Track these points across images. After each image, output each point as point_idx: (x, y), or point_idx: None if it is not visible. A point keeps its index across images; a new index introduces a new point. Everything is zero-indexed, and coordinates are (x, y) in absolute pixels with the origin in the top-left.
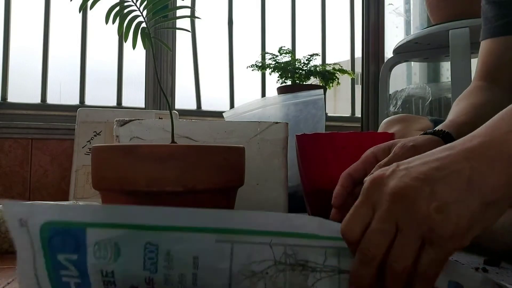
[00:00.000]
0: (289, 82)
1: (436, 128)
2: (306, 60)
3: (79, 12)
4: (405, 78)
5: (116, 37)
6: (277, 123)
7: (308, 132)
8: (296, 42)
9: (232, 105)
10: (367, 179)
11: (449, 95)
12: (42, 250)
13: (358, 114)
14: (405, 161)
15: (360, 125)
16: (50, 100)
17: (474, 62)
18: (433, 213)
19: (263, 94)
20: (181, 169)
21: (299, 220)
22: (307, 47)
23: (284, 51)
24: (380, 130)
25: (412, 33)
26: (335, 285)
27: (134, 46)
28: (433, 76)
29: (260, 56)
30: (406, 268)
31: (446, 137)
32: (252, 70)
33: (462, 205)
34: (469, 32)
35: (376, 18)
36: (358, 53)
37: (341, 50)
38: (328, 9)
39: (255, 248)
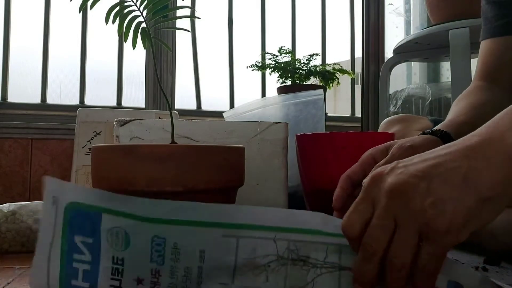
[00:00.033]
0: (289, 82)
1: (435, 128)
2: (306, 60)
3: (79, 12)
4: (405, 78)
5: (116, 37)
6: (277, 123)
7: (308, 132)
8: (296, 42)
9: (232, 105)
10: (368, 177)
11: (449, 95)
12: (61, 232)
13: (358, 114)
14: (405, 159)
15: (360, 125)
16: (50, 100)
17: (474, 62)
18: (428, 209)
19: (263, 94)
20: (181, 169)
21: (303, 216)
22: (307, 47)
23: (284, 51)
24: (380, 130)
25: (412, 33)
26: (335, 281)
27: (134, 46)
28: (433, 76)
29: (260, 56)
30: (406, 264)
31: (444, 137)
32: (252, 70)
33: (458, 201)
34: (469, 32)
35: (376, 18)
36: (358, 53)
37: (341, 50)
38: (328, 9)
39: (259, 242)
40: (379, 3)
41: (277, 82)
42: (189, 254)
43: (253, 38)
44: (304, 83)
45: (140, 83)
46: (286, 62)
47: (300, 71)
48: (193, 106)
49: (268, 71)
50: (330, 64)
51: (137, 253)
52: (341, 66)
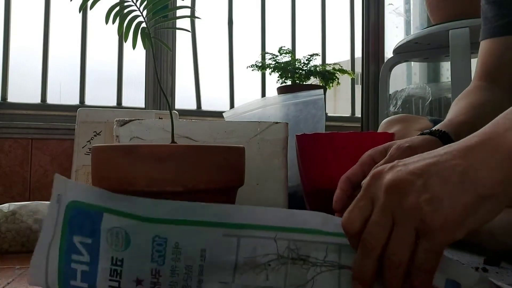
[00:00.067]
0: (289, 82)
1: (434, 128)
2: (306, 60)
3: (79, 12)
4: (405, 78)
5: (116, 37)
6: (277, 123)
7: (308, 132)
8: (296, 42)
9: (232, 105)
10: (368, 175)
11: (449, 95)
12: (61, 232)
13: (358, 114)
14: (406, 158)
15: (360, 125)
16: (50, 100)
17: (474, 62)
18: (424, 205)
19: (263, 94)
20: (181, 169)
21: (303, 215)
22: (307, 47)
23: (284, 51)
24: (380, 130)
25: (412, 33)
26: (335, 279)
27: (134, 46)
28: (433, 76)
29: (260, 56)
30: (403, 261)
31: (443, 137)
32: (252, 70)
33: (454, 199)
34: (469, 32)
35: (376, 18)
36: (358, 53)
37: (341, 50)
38: (328, 9)
39: (260, 242)
40: (379, 3)
41: (277, 82)
42: (190, 253)
43: (253, 38)
44: (304, 83)
45: (140, 83)
46: (286, 62)
47: (300, 71)
48: (193, 106)
49: (268, 71)
50: (330, 64)
51: (137, 253)
52: (341, 66)
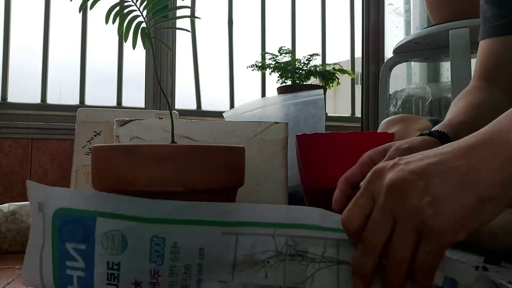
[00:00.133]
0: (289, 82)
1: (433, 129)
2: (306, 60)
3: (79, 12)
4: (405, 78)
5: (116, 37)
6: (277, 123)
7: (308, 132)
8: (296, 42)
9: (232, 105)
10: (369, 172)
11: (449, 95)
12: (51, 239)
13: (358, 114)
14: (407, 156)
15: (360, 125)
16: (50, 100)
17: (474, 62)
18: (425, 207)
19: (263, 94)
20: (181, 169)
21: (301, 211)
22: (307, 47)
23: (284, 51)
24: (380, 130)
25: (412, 33)
26: (334, 275)
27: (134, 46)
28: (433, 76)
29: (260, 56)
30: (404, 259)
31: (442, 138)
32: (252, 70)
33: (455, 201)
34: (469, 32)
35: (376, 18)
36: (358, 53)
37: (341, 50)
38: (328, 9)
39: (258, 239)
40: (379, 3)
41: (277, 82)
42: (189, 252)
43: (253, 38)
44: (304, 83)
45: (140, 83)
46: (286, 62)
47: (300, 71)
48: (193, 106)
49: (268, 71)
50: (330, 64)
51: (135, 255)
52: (341, 66)
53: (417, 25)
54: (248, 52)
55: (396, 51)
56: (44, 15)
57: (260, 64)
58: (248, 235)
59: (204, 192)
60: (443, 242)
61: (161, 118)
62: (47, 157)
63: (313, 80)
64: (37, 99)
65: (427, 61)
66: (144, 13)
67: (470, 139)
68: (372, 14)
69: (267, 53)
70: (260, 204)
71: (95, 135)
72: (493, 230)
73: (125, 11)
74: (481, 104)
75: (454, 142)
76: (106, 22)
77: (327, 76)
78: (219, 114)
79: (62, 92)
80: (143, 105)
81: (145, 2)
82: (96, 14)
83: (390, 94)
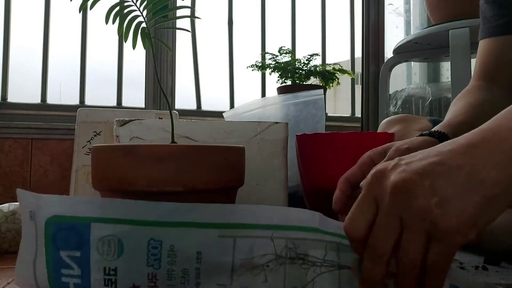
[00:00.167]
0: (289, 82)
1: (433, 129)
2: (306, 60)
3: (79, 12)
4: (405, 78)
5: (116, 37)
6: (277, 123)
7: (308, 132)
8: (296, 42)
9: (232, 105)
10: (369, 174)
11: (449, 95)
12: (44, 247)
13: (358, 114)
14: (407, 155)
15: (360, 125)
16: (50, 100)
17: (474, 62)
18: (434, 209)
19: (263, 94)
20: (181, 169)
21: (300, 214)
22: (307, 47)
23: (284, 51)
24: (380, 130)
25: (412, 33)
26: (335, 280)
27: (134, 46)
28: (433, 76)
29: (260, 56)
30: (416, 263)
31: (442, 138)
32: (252, 70)
33: (463, 200)
34: (469, 32)
35: (376, 18)
36: (358, 53)
37: (341, 50)
38: (328, 9)
39: (257, 242)
40: (379, 3)
41: (277, 82)
42: (186, 256)
43: (253, 38)
44: (304, 83)
45: (140, 83)
46: (286, 62)
47: (300, 71)
48: (193, 106)
49: (268, 71)
50: (330, 64)
51: (132, 258)
52: (341, 66)
53: (417, 25)
54: (248, 52)
55: (396, 51)
56: (44, 15)
57: (260, 64)
58: (245, 238)
59: (204, 192)
60: (455, 243)
61: (161, 118)
62: (47, 157)
63: (313, 80)
64: (37, 99)
65: (427, 61)
66: (144, 13)
67: (470, 137)
68: (372, 14)
69: (267, 53)
70: (256, 205)
71: (95, 135)
72: (493, 230)
73: (125, 11)
74: (481, 104)
75: (453, 140)
76: (106, 22)
77: (327, 76)
78: (219, 114)
79: (62, 92)
80: (143, 105)
81: (145, 2)
82: (96, 14)
83: (390, 94)
